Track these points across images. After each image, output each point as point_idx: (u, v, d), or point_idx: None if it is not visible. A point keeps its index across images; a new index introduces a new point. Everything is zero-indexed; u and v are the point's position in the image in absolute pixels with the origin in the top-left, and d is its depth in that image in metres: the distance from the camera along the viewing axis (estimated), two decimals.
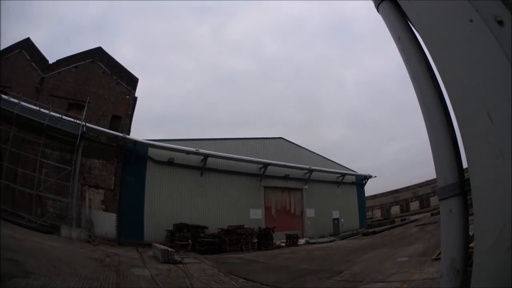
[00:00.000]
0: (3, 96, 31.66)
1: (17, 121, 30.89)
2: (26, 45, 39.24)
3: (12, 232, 22.85)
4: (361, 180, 52.78)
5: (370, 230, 44.11)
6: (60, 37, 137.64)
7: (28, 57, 38.21)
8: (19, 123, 31.30)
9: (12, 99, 31.56)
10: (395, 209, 73.85)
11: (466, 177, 5.27)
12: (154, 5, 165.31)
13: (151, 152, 36.65)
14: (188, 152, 37.19)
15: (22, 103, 31.08)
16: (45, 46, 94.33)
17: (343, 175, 49.65)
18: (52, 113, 31.27)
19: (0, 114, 30.85)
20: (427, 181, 68.85)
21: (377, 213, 75.16)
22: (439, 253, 13.17)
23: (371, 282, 15.77)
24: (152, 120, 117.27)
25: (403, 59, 7.20)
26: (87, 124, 32.30)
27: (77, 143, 31.15)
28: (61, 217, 31.14)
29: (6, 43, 41.06)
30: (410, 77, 7.02)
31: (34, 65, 37.78)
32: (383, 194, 74.96)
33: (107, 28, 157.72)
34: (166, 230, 33.84)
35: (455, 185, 5.53)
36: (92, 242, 28.98)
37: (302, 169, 44.81)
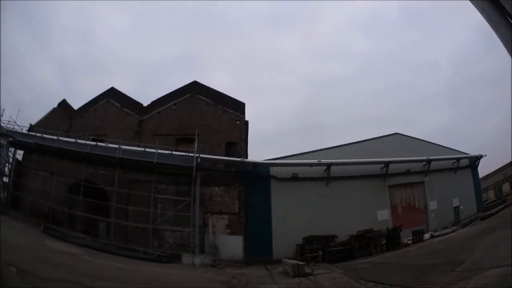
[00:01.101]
0: (99, 143, 34.16)
1: (121, 163, 33.19)
2: (112, 94, 42.52)
3: (124, 265, 24.31)
4: (474, 162, 50.58)
5: (487, 213, 42.26)
6: (148, 80, 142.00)
7: (118, 104, 41.04)
8: (124, 165, 33.62)
9: (110, 145, 34.43)
10: (506, 187, 70.28)
11: None
12: (236, 28, 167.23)
13: (273, 170, 37.33)
14: (311, 165, 37.46)
15: (123, 146, 33.35)
16: (132, 91, 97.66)
17: (458, 159, 47.63)
18: (160, 151, 32.98)
19: (100, 160, 33.81)
20: None
21: (491, 194, 71.74)
22: None
23: (490, 268, 14.98)
24: (269, 139, 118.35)
25: (492, 27, 6.70)
26: (201, 155, 33.71)
27: (193, 174, 32.31)
28: (181, 246, 32.86)
29: (90, 96, 43.20)
30: (503, 43, 6.52)
31: (127, 110, 40.62)
32: (494, 173, 71.46)
33: (196, 61, 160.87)
34: (295, 245, 34.04)
35: None
36: (217, 266, 29.93)
37: (421, 161, 43.62)
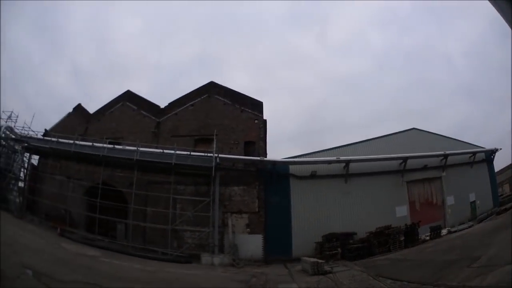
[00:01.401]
0: (116, 146, 34.78)
1: (139, 165, 33.79)
2: (128, 96, 43.24)
3: (142, 266, 24.67)
4: (489, 156, 50.34)
5: (502, 208, 42.12)
6: (164, 82, 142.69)
7: (135, 107, 41.68)
8: (142, 167, 34.26)
9: (127, 147, 35.04)
10: None
11: None
12: (251, 27, 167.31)
13: (293, 169, 37.68)
14: (329, 162, 37.78)
15: (141, 148, 33.96)
16: (149, 93, 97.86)
17: (474, 153, 47.61)
18: (178, 152, 33.52)
19: (117, 163, 34.54)
20: None
21: (506, 188, 71.41)
22: None
23: (505, 264, 15.08)
24: (287, 138, 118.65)
25: (505, 20, 6.78)
26: (220, 155, 34.08)
27: (213, 174, 32.62)
28: (201, 246, 33.30)
29: (106, 100, 43.51)
30: None
31: (144, 112, 41.30)
32: (509, 167, 71.08)
33: (212, 62, 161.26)
34: (314, 243, 34.40)
35: None
36: (237, 265, 30.28)
37: (438, 156, 43.63)
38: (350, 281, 20.77)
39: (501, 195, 60.61)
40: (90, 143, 34.84)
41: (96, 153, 33.66)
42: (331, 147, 40.49)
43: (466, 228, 37.98)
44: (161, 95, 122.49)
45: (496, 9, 7.76)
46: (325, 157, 38.30)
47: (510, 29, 7.31)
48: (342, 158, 37.76)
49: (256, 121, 39.15)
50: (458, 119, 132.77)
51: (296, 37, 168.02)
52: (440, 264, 20.34)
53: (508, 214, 35.52)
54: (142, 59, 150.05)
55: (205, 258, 30.62)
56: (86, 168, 35.65)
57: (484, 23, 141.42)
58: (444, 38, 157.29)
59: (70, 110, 44.68)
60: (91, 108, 44.46)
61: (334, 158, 37.67)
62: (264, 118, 40.66)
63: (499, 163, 60.20)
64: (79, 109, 44.41)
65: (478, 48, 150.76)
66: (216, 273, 26.46)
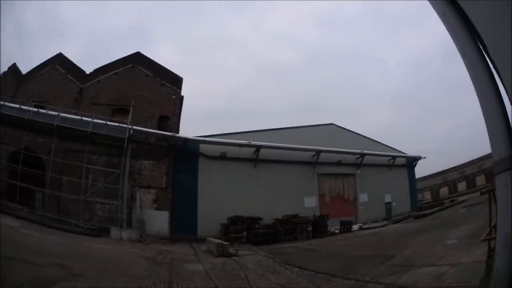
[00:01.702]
0: (41, 110, 32.66)
1: (58, 132, 32.01)
2: (59, 60, 41.11)
3: (59, 238, 23.78)
4: (411, 162, 51.76)
5: (421, 213, 43.39)
6: (95, 48, 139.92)
7: (63, 71, 39.81)
8: (61, 133, 32.49)
9: (50, 112, 33.05)
10: (444, 191, 72.69)
11: None
12: (190, 5, 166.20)
13: (203, 148, 37.34)
14: (240, 145, 37.62)
15: (62, 114, 32.24)
16: (80, 59, 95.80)
17: (394, 157, 49.10)
18: (95, 120, 32.21)
19: (40, 128, 32.55)
20: (473, 160, 67.19)
21: (427, 195, 74.06)
22: (487, 234, 12.96)
23: (422, 266, 15.49)
24: (202, 117, 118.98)
25: (450, 36, 6.91)
26: (134, 127, 33.12)
27: (125, 146, 31.81)
28: (110, 219, 32.32)
29: (37, 61, 41.99)
30: (460, 54, 6.75)
31: (70, 77, 39.40)
32: (431, 176, 73.66)
33: (144, 33, 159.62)
34: (220, 224, 34.39)
35: (510, 158, 5.29)
36: (144, 242, 29.81)
37: (354, 154, 44.57)
38: (256, 266, 20.70)
39: (421, 200, 62.75)
40: (18, 105, 33.36)
41: (22, 116, 31.71)
42: (244, 130, 40.37)
43: (380, 227, 39.17)
44: (95, 62, 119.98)
45: (439, 15, 7.83)
46: (237, 140, 38.20)
47: (451, 38, 7.38)
48: (253, 142, 37.89)
49: (173, 97, 38.64)
50: (384, 123, 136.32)
51: (233, 19, 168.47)
52: (351, 258, 20.62)
53: (428, 220, 36.69)
54: (80, 23, 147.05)
55: (114, 232, 29.82)
56: (12, 132, 34.00)
57: (426, 37, 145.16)
58: (384, 45, 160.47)
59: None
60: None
61: (245, 141, 37.71)
62: (182, 94, 40.50)
63: (423, 171, 62.09)
64: (13, 69, 42.12)
65: (416, 60, 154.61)
66: (124, 248, 25.81)
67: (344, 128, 48.04)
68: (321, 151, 40.91)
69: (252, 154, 38.50)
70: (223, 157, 37.38)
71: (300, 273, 17.95)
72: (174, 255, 24.30)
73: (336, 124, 47.63)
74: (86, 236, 27.87)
